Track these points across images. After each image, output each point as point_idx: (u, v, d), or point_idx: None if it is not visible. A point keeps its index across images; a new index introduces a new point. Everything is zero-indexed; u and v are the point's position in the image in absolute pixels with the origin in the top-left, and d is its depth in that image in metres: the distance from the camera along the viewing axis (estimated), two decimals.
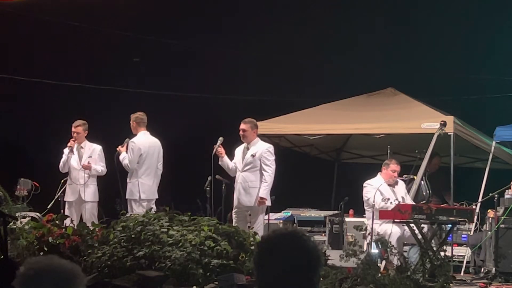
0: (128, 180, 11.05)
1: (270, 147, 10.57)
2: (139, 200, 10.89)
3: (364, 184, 10.70)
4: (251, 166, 10.42)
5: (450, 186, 11.58)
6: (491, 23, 17.48)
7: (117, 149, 11.16)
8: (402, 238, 10.22)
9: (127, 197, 11.01)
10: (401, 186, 10.73)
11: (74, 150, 11.49)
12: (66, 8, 15.83)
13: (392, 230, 9.97)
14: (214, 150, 10.46)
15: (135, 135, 11.18)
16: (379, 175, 10.78)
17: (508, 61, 16.35)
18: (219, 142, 10.51)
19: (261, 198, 10.25)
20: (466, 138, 12.35)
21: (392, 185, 10.69)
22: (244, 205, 10.40)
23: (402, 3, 18.48)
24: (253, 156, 10.41)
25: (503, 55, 16.64)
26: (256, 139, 10.63)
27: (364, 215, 12.46)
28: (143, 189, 10.93)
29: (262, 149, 10.45)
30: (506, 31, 16.96)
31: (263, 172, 10.33)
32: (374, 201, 10.37)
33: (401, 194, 10.61)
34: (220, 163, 10.55)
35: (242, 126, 10.55)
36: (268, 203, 10.47)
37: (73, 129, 11.52)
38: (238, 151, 10.62)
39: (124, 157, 11.01)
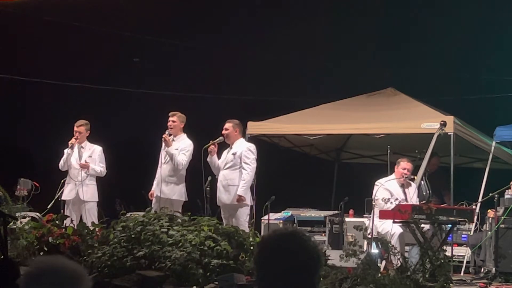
0: (173, 180, 10.70)
1: (251, 146, 10.58)
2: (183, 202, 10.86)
3: (375, 183, 10.69)
4: (232, 164, 10.44)
5: (450, 186, 11.58)
6: (491, 23, 17.48)
7: (165, 137, 10.66)
8: (404, 237, 10.20)
9: (175, 197, 10.69)
10: (413, 188, 10.68)
11: (75, 148, 11.49)
12: (67, 8, 15.84)
13: (393, 230, 9.96)
14: (208, 145, 10.47)
15: (172, 135, 10.80)
16: (393, 174, 10.77)
17: (508, 61, 16.34)
18: (217, 140, 10.53)
19: (239, 196, 10.26)
20: (466, 138, 12.35)
21: (405, 185, 10.66)
22: (223, 203, 10.44)
23: (402, 3, 18.47)
24: (234, 154, 10.45)
25: (503, 55, 16.64)
26: (240, 140, 10.65)
27: (364, 215, 12.48)
28: (185, 191, 10.89)
29: (243, 148, 10.48)
30: (506, 31, 16.96)
31: (242, 170, 10.35)
32: (375, 198, 10.36)
33: (411, 195, 10.58)
34: (208, 159, 10.52)
35: (225, 125, 10.60)
36: (249, 202, 10.42)
37: (75, 128, 11.51)
38: (224, 152, 10.67)
39: (178, 154, 10.65)
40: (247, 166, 10.35)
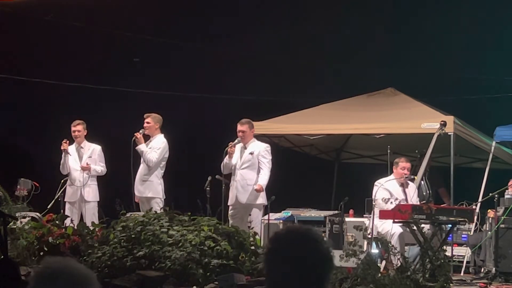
0: (148, 178, 10.84)
1: (268, 147, 10.76)
2: (162, 200, 10.86)
3: (375, 183, 10.69)
4: (250, 164, 10.53)
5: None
6: (491, 23, 17.47)
7: (136, 136, 10.80)
8: (404, 237, 10.20)
9: (150, 195, 10.81)
10: (412, 187, 10.68)
11: (74, 150, 11.48)
12: (66, 8, 15.83)
13: (393, 230, 9.96)
14: (229, 147, 10.49)
15: (149, 135, 10.94)
16: (392, 175, 10.77)
17: (508, 61, 16.34)
18: (235, 142, 10.57)
19: (259, 185, 10.37)
20: (466, 138, 12.35)
21: (404, 185, 10.65)
22: (241, 202, 10.45)
23: (402, 3, 18.47)
24: (251, 154, 10.52)
25: (503, 55, 16.63)
26: (253, 139, 10.76)
27: (364, 215, 12.48)
28: (163, 189, 10.93)
29: (260, 148, 10.63)
30: (506, 31, 16.95)
31: (261, 169, 10.50)
32: (375, 198, 10.36)
33: (411, 195, 10.57)
34: (226, 161, 10.57)
35: (240, 127, 10.63)
36: (264, 201, 10.55)
37: (73, 128, 11.50)
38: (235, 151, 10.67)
39: (148, 152, 10.76)
40: (265, 166, 10.52)
